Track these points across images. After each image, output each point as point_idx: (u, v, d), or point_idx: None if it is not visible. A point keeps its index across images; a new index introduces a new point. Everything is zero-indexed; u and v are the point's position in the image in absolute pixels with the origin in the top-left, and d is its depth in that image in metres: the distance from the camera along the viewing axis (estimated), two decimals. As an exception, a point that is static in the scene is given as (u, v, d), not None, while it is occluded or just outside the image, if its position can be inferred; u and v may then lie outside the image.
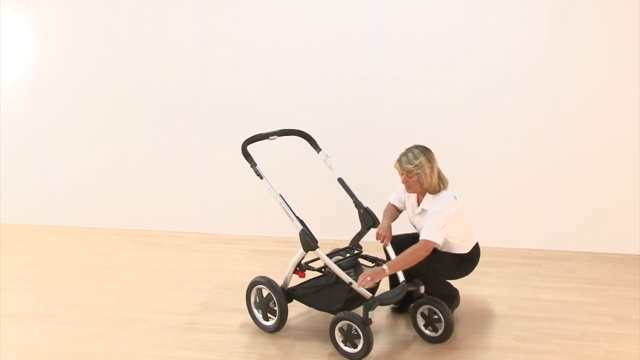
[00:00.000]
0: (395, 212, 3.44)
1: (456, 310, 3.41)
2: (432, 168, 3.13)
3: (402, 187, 3.31)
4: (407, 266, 3.02)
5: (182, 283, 3.92)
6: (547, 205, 4.39)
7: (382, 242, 3.28)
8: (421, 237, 3.06)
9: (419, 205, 3.25)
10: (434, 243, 3.04)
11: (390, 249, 3.26)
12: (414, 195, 3.29)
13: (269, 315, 3.27)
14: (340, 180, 3.43)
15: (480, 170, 4.40)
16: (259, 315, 3.32)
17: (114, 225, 4.94)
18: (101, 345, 3.15)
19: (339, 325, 3.00)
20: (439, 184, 3.16)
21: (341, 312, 2.99)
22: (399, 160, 3.17)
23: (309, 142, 3.53)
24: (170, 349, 3.11)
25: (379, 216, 3.39)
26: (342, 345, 3.02)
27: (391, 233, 3.30)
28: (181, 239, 4.72)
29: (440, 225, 3.06)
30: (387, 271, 2.97)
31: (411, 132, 4.36)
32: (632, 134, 4.18)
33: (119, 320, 3.40)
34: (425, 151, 3.16)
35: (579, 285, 3.87)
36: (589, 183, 4.31)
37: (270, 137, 3.32)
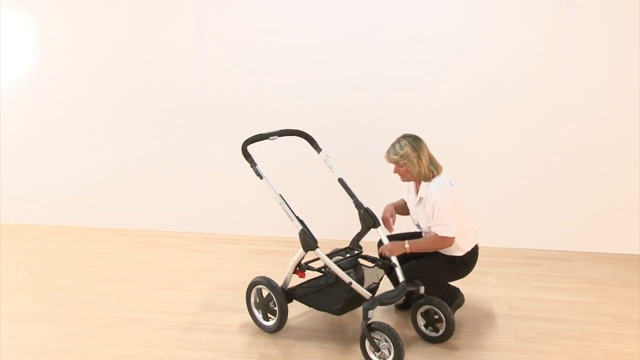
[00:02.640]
0: (403, 202, 3.43)
1: (456, 311, 3.40)
2: (419, 157, 3.13)
3: (405, 184, 3.33)
4: (425, 250, 3.14)
5: (182, 283, 3.92)
6: (547, 205, 4.39)
7: (387, 218, 3.32)
8: (438, 234, 3.09)
9: (417, 194, 3.26)
10: (450, 238, 3.08)
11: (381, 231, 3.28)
12: (412, 187, 3.30)
13: (269, 315, 3.27)
14: (341, 181, 3.43)
15: (481, 170, 4.40)
16: (259, 316, 3.32)
17: (113, 225, 4.95)
18: (101, 345, 3.15)
19: (373, 334, 2.91)
20: (431, 171, 3.17)
21: (374, 323, 2.88)
22: (387, 152, 3.21)
23: (309, 142, 3.52)
24: (170, 349, 3.11)
25: (379, 217, 3.38)
26: (372, 355, 2.94)
27: (394, 216, 3.35)
28: (181, 239, 4.72)
29: (446, 215, 3.07)
30: (407, 248, 3.10)
31: (411, 132, 4.35)
32: (632, 134, 4.18)
33: (118, 320, 3.40)
34: (413, 140, 3.17)
35: (579, 285, 3.87)
36: (589, 183, 4.31)
37: (270, 138, 3.31)
